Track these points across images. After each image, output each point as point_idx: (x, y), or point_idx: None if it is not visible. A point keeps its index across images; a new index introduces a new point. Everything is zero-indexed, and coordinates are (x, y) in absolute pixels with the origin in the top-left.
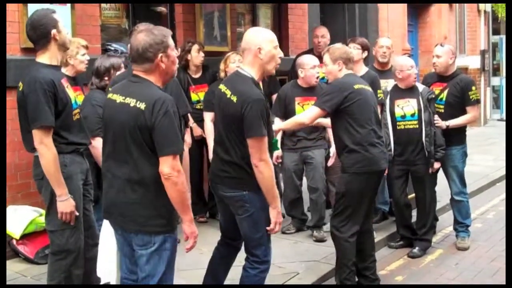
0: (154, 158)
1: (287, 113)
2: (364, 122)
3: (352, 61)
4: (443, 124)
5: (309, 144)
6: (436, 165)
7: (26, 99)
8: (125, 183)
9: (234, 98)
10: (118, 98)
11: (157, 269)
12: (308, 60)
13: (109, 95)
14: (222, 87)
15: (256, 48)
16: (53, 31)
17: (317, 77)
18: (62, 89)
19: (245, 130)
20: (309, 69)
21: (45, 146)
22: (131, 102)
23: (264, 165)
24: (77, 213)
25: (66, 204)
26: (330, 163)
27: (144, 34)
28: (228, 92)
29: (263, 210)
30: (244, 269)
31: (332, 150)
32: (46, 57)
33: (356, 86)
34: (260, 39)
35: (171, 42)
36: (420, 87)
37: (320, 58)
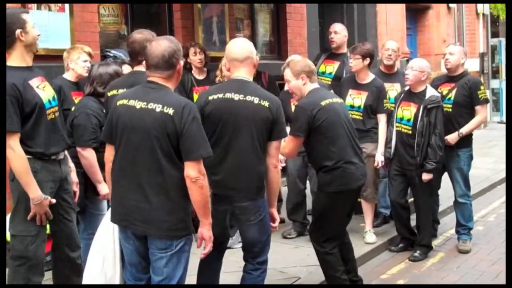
0: (179, 162)
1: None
2: (338, 139)
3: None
4: (453, 137)
5: None
6: (426, 176)
7: None
8: (148, 189)
9: (266, 103)
10: (138, 104)
11: (176, 272)
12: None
13: (123, 101)
14: (234, 95)
15: (255, 58)
16: (18, 32)
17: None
18: (29, 90)
19: (277, 132)
20: None
21: (12, 150)
22: (157, 107)
23: (279, 166)
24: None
25: (39, 206)
26: None
27: (168, 41)
28: (254, 98)
29: (267, 212)
30: (246, 272)
31: None
32: (13, 58)
33: (323, 103)
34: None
35: None
36: (429, 93)
37: (334, 54)
